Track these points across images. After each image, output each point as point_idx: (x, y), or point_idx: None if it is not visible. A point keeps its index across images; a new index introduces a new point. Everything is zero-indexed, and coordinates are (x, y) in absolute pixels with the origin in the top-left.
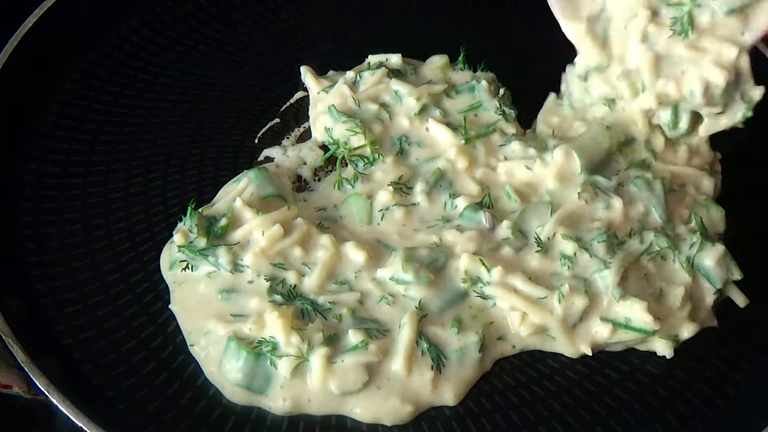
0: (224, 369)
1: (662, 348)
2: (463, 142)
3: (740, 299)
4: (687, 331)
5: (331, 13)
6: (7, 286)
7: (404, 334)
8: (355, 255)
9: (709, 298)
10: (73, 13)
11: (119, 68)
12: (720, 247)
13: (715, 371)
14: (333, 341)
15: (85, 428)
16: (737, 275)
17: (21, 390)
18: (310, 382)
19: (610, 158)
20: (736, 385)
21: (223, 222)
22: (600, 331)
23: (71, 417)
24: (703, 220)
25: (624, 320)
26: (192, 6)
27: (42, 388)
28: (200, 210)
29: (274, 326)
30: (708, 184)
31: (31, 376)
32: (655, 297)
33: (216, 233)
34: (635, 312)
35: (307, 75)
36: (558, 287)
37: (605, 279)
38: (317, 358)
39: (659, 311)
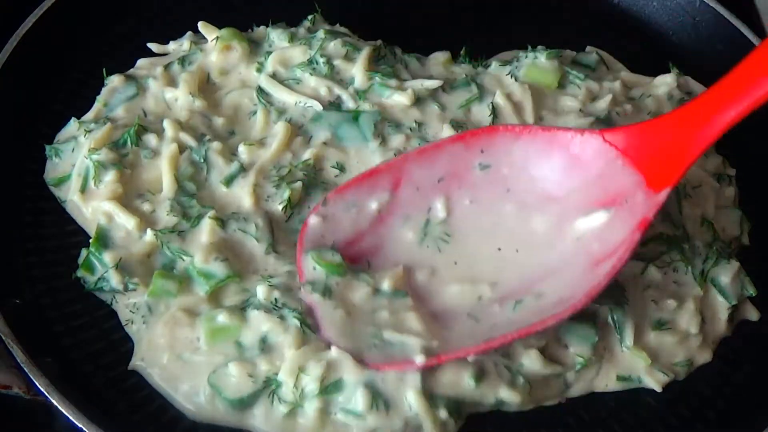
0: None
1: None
2: None
3: (754, 314)
4: (702, 358)
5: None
6: (7, 286)
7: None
8: None
9: (723, 316)
10: (73, 14)
11: (119, 68)
12: (735, 264)
13: (716, 372)
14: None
15: (85, 428)
16: (752, 291)
17: (21, 390)
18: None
19: None
20: (736, 385)
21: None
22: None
23: (71, 417)
24: (720, 228)
25: (627, 374)
26: (192, 5)
27: (42, 389)
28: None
29: None
30: (729, 190)
31: (31, 377)
32: (664, 323)
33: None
34: (640, 370)
35: None
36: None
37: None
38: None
39: (670, 350)
